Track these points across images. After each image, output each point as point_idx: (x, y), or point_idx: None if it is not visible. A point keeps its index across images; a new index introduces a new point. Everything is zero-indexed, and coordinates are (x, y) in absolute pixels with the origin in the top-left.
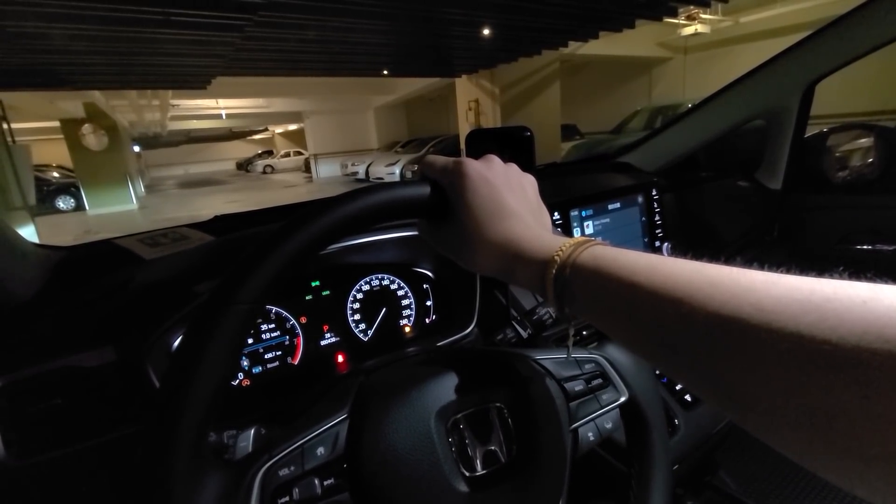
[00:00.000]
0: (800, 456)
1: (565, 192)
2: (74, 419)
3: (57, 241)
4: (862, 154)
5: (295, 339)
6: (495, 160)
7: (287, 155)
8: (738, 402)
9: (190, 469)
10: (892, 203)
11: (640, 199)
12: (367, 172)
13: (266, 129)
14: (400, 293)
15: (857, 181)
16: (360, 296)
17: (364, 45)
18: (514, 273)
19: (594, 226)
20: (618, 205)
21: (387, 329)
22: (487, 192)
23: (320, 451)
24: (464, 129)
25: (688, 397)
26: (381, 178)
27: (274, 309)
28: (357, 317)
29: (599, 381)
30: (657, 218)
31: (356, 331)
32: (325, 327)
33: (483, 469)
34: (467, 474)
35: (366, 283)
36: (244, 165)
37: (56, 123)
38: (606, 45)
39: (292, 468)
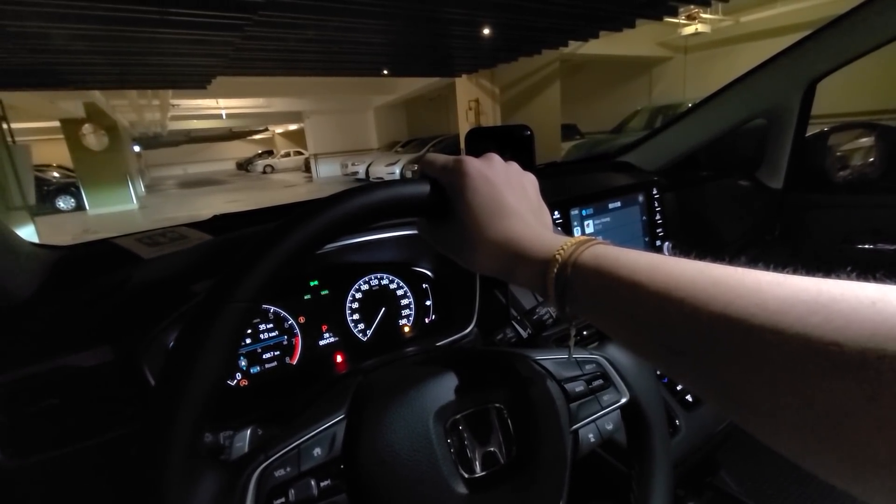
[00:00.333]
0: (803, 459)
1: (565, 191)
2: (71, 419)
3: (57, 241)
4: (863, 153)
5: (293, 339)
6: (496, 158)
7: (287, 155)
8: (742, 403)
9: (184, 469)
10: (894, 202)
11: (640, 199)
12: (367, 172)
13: (266, 129)
14: (399, 293)
15: (858, 180)
16: (358, 295)
17: (364, 44)
18: (514, 273)
19: (594, 225)
20: (618, 204)
21: (386, 329)
22: (488, 191)
23: (317, 451)
24: (464, 128)
25: (689, 397)
26: (381, 178)
27: (272, 309)
28: (356, 316)
29: (600, 381)
30: (658, 217)
31: (355, 331)
32: (324, 327)
33: (482, 470)
34: (466, 476)
35: (365, 282)
36: (244, 165)
37: (56, 123)
38: (607, 45)
39: (288, 469)
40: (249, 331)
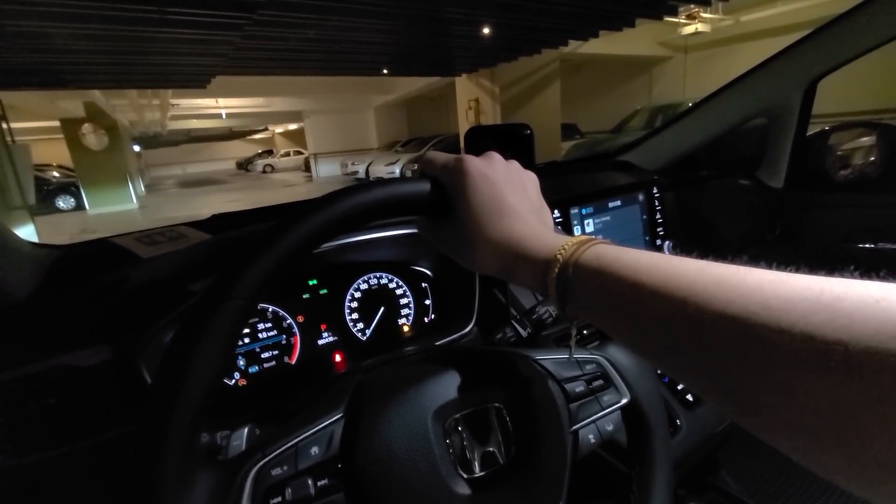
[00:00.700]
0: (805, 458)
1: (566, 190)
2: (69, 418)
3: (56, 241)
4: (864, 152)
5: (292, 339)
6: (496, 157)
7: (287, 154)
8: (744, 403)
9: (181, 467)
10: (895, 201)
11: (640, 198)
12: (367, 172)
13: (266, 129)
14: (398, 292)
15: (859, 180)
16: (358, 294)
17: (364, 44)
18: (515, 272)
19: (595, 224)
20: (618, 203)
21: (385, 328)
22: (488, 191)
23: (314, 450)
24: (464, 128)
25: (689, 397)
26: (381, 178)
27: (271, 308)
28: (355, 316)
29: (600, 382)
30: (658, 216)
31: (354, 330)
32: (323, 326)
33: (481, 470)
34: (465, 476)
35: (364, 281)
36: (244, 165)
37: (56, 123)
38: (607, 44)
39: (285, 468)
40: (248, 330)
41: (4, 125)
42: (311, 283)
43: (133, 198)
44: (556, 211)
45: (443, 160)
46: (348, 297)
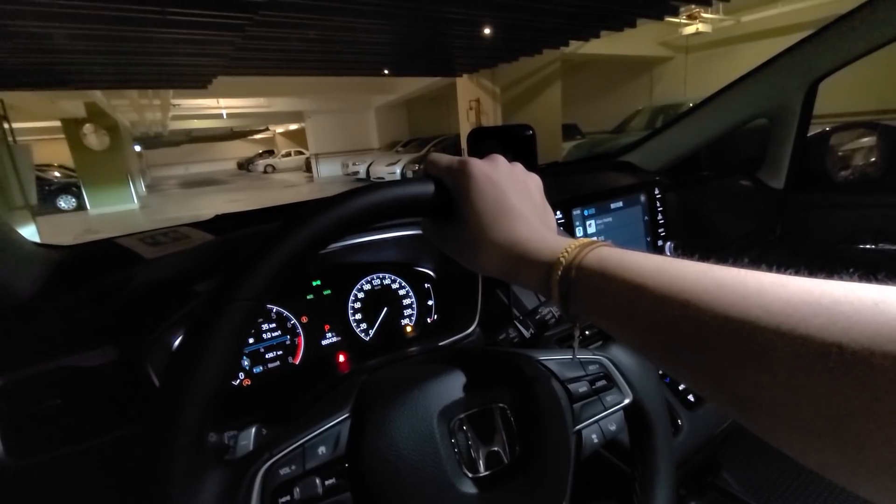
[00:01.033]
0: (807, 458)
1: (567, 191)
2: (75, 419)
3: (58, 241)
4: (865, 153)
5: (296, 339)
6: (500, 160)
7: (288, 154)
8: (745, 404)
9: (189, 468)
10: (895, 202)
11: (642, 198)
12: (367, 172)
13: (267, 129)
14: (401, 292)
15: (860, 180)
16: (361, 295)
17: (365, 44)
18: (518, 274)
19: (596, 225)
20: (620, 204)
21: (388, 329)
22: (492, 193)
23: (321, 450)
24: (465, 128)
25: (691, 397)
26: (382, 178)
27: (275, 308)
28: (358, 316)
29: (603, 382)
30: (659, 217)
31: (357, 330)
32: (327, 327)
33: (486, 470)
34: (470, 475)
35: (367, 282)
36: (245, 165)
37: (57, 123)
38: (608, 45)
39: (293, 467)
40: (252, 330)
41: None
42: (314, 283)
43: (134, 198)
44: (558, 212)
45: (446, 162)
46: (352, 297)
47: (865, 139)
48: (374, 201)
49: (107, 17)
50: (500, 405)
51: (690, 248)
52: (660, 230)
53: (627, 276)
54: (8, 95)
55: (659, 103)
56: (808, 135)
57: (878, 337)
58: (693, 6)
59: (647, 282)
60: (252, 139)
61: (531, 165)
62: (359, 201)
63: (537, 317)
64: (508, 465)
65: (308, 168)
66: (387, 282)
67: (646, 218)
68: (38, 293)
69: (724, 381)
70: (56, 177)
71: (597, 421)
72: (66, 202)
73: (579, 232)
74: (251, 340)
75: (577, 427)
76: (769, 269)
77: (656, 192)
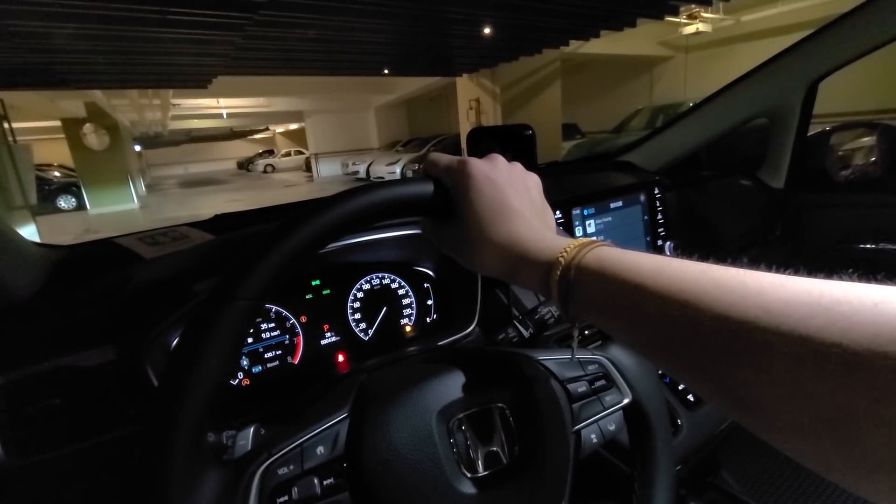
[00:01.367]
0: (806, 459)
1: (567, 190)
2: (74, 419)
3: (58, 241)
4: (865, 153)
5: (295, 339)
6: (500, 160)
7: (288, 154)
8: (744, 404)
9: (188, 468)
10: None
11: (642, 198)
12: (367, 172)
13: (267, 129)
14: (401, 292)
15: (860, 180)
16: (360, 295)
17: (365, 44)
18: (517, 274)
19: (596, 224)
20: (620, 203)
21: (387, 328)
22: (491, 193)
23: (320, 450)
24: (465, 128)
25: (691, 397)
26: (382, 178)
27: (274, 308)
28: (357, 316)
29: (603, 382)
30: (659, 217)
31: (357, 330)
32: (326, 326)
33: (485, 470)
34: (469, 475)
35: (366, 282)
36: (245, 165)
37: (57, 123)
38: (608, 44)
39: (291, 467)
40: (251, 330)
41: (6, 125)
42: (313, 283)
43: (134, 198)
44: (557, 212)
45: (446, 162)
46: (351, 297)
47: (866, 139)
48: (374, 201)
49: (107, 16)
50: (499, 405)
51: (690, 247)
52: (659, 230)
53: (627, 275)
54: (8, 95)
55: (659, 103)
56: (809, 134)
57: (878, 337)
58: (693, 6)
59: (646, 282)
60: (252, 139)
61: (531, 165)
62: (358, 201)
63: (536, 316)
64: (507, 465)
65: (308, 168)
66: (386, 281)
67: (645, 218)
68: (38, 293)
69: (723, 381)
70: (56, 176)
71: (596, 421)
72: (65, 202)
73: (579, 232)
74: (250, 340)
75: (577, 427)
76: (769, 268)
77: (656, 191)
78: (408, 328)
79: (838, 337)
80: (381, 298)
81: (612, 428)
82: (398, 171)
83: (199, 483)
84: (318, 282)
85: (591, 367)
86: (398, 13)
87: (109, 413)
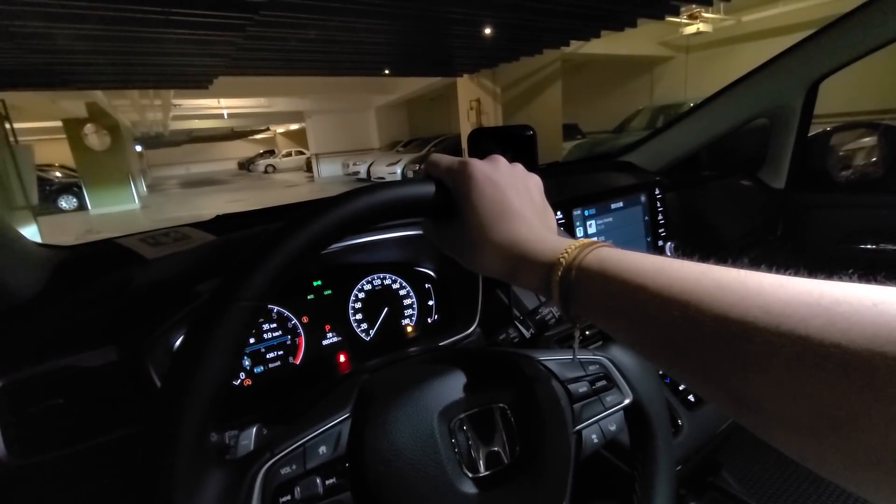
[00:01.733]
0: (806, 459)
1: (567, 191)
2: (76, 419)
3: (60, 241)
4: (866, 153)
5: (297, 339)
6: (500, 160)
7: (289, 154)
8: (745, 404)
9: (191, 468)
10: None
11: (642, 199)
12: (368, 172)
13: (268, 129)
14: (402, 293)
15: (860, 180)
16: (362, 295)
17: (365, 44)
18: (518, 275)
19: (597, 225)
20: (620, 204)
21: (389, 329)
22: (492, 194)
23: (322, 450)
24: (465, 128)
25: (691, 397)
26: (383, 178)
27: (276, 308)
28: (359, 316)
29: (604, 382)
30: (660, 217)
31: (358, 330)
32: (327, 327)
33: (486, 470)
34: (470, 475)
35: (368, 282)
36: (246, 165)
37: (58, 123)
38: (608, 45)
39: (294, 467)
40: (253, 330)
41: (7, 125)
42: (315, 284)
43: (135, 198)
44: (558, 212)
45: (447, 163)
46: (352, 297)
47: (866, 139)
48: (376, 202)
49: (108, 17)
50: (501, 405)
51: (691, 248)
52: (660, 230)
53: (627, 276)
54: (9, 95)
55: (659, 103)
56: (809, 135)
57: (878, 338)
58: (694, 6)
59: (646, 282)
60: (253, 139)
61: (531, 166)
62: (360, 202)
63: (537, 317)
64: (508, 465)
65: (309, 168)
66: (387, 282)
67: (646, 218)
68: (40, 293)
69: (723, 381)
70: (57, 177)
71: (597, 421)
72: (67, 202)
73: (580, 232)
74: (252, 340)
75: (577, 427)
76: (769, 269)
77: (657, 192)
78: (409, 329)
79: (838, 337)
80: (382, 299)
81: (612, 428)
82: (399, 171)
83: (202, 483)
84: (319, 282)
85: (591, 368)
86: (399, 13)
87: (112, 413)
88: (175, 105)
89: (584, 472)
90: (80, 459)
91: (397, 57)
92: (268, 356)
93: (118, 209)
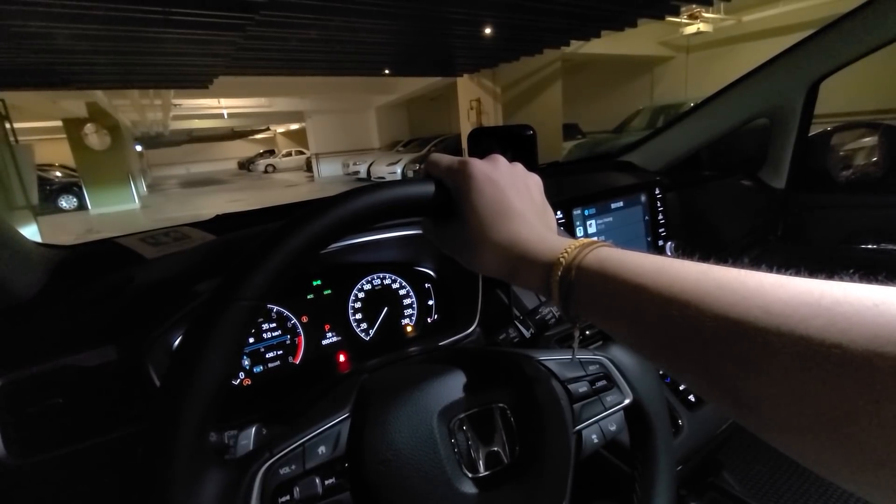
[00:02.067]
0: (806, 459)
1: (568, 191)
2: (75, 418)
3: (60, 241)
4: (866, 153)
5: (296, 339)
6: (500, 160)
7: (289, 154)
8: (745, 404)
9: (190, 468)
10: None
11: (642, 198)
12: (368, 172)
13: (268, 129)
14: (402, 292)
15: (861, 180)
16: (361, 295)
17: (366, 44)
18: (518, 274)
19: (597, 225)
20: (620, 204)
21: (388, 328)
22: (492, 194)
23: (321, 450)
24: (465, 128)
25: (692, 397)
26: (383, 178)
27: (275, 308)
28: (359, 316)
29: (604, 382)
30: (660, 217)
31: (358, 330)
32: (327, 327)
33: (486, 470)
34: (470, 475)
35: (367, 282)
36: (246, 165)
37: (59, 123)
38: (608, 44)
39: (293, 467)
40: (253, 330)
41: (8, 125)
42: (315, 283)
43: (135, 198)
44: (559, 212)
45: (447, 163)
46: (352, 297)
47: (867, 139)
48: (376, 201)
49: (109, 17)
50: (500, 405)
51: (691, 248)
52: (660, 230)
53: (627, 276)
54: (10, 95)
55: (660, 103)
56: (810, 135)
57: (878, 338)
58: (694, 6)
59: (646, 282)
60: (253, 139)
61: (531, 165)
62: (360, 201)
63: (537, 317)
64: (508, 465)
65: (309, 168)
66: (387, 282)
67: (646, 218)
68: (40, 293)
69: (723, 381)
70: (57, 176)
71: (597, 421)
72: (67, 202)
73: (580, 232)
74: (251, 340)
75: (578, 427)
76: (769, 269)
77: (657, 192)
78: (409, 328)
79: (838, 338)
80: (382, 299)
81: (612, 428)
82: (399, 171)
83: (201, 482)
84: (319, 282)
85: (591, 368)
86: (399, 13)
87: (111, 413)
88: (175, 105)
89: (584, 472)
90: (80, 459)
91: (397, 57)
92: (267, 356)
93: (118, 209)
